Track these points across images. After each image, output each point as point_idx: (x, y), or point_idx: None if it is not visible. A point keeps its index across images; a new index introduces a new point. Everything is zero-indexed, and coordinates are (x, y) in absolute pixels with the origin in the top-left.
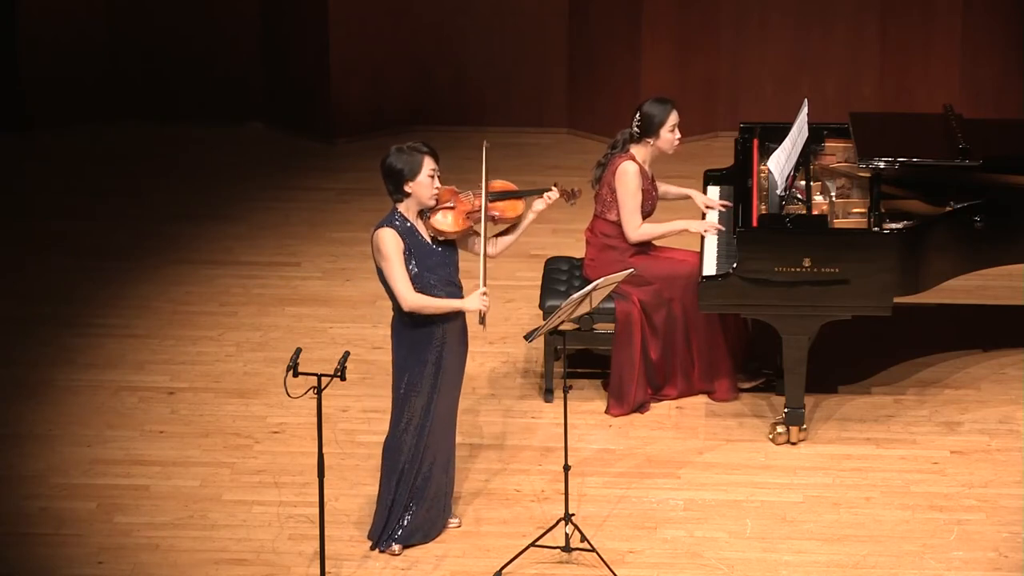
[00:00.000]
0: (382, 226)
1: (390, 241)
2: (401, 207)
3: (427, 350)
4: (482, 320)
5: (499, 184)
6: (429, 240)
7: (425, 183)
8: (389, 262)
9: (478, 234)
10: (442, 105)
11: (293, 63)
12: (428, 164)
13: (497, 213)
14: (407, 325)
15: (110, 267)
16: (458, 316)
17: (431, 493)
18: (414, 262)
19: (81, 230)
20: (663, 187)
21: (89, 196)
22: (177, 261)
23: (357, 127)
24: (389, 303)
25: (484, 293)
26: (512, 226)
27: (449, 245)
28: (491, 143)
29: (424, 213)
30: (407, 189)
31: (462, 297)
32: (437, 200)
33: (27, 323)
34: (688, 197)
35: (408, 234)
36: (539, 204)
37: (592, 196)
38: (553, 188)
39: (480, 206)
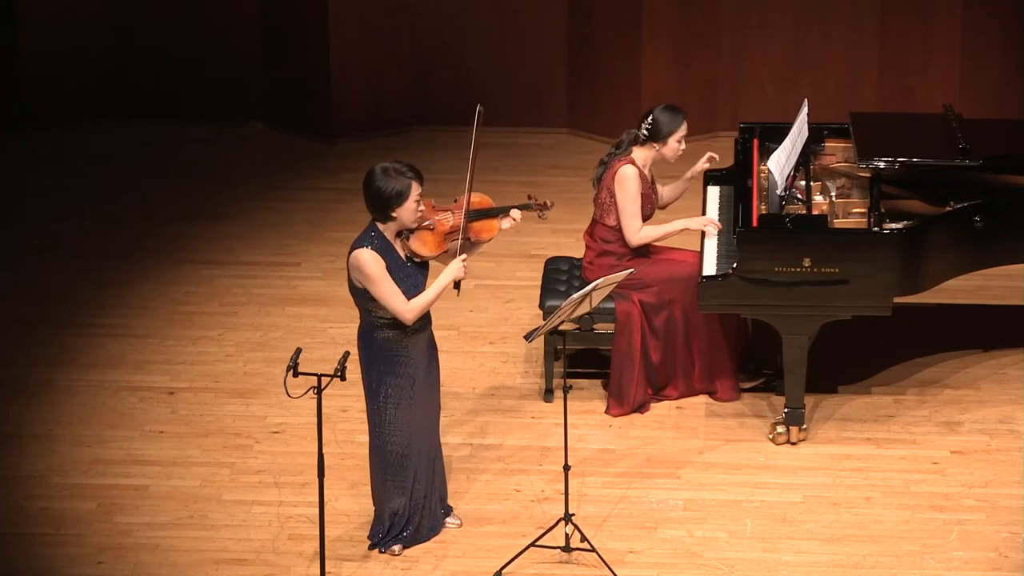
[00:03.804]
0: (361, 246)
1: (372, 263)
2: (380, 225)
3: (394, 362)
4: (457, 286)
5: (477, 199)
6: (404, 258)
7: (411, 208)
8: (378, 283)
9: (452, 254)
10: (442, 105)
11: (293, 63)
12: (415, 190)
13: (472, 236)
14: (374, 338)
15: (110, 267)
16: (424, 327)
17: (422, 496)
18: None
19: (81, 230)
20: (665, 192)
21: (89, 196)
22: (177, 261)
23: (357, 127)
24: None
25: (463, 260)
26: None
27: (422, 264)
28: (491, 143)
29: (403, 234)
30: (393, 215)
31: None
32: (418, 222)
33: (27, 323)
34: (689, 181)
35: (385, 251)
36: (505, 224)
37: (591, 199)
38: (516, 211)
39: (459, 225)
